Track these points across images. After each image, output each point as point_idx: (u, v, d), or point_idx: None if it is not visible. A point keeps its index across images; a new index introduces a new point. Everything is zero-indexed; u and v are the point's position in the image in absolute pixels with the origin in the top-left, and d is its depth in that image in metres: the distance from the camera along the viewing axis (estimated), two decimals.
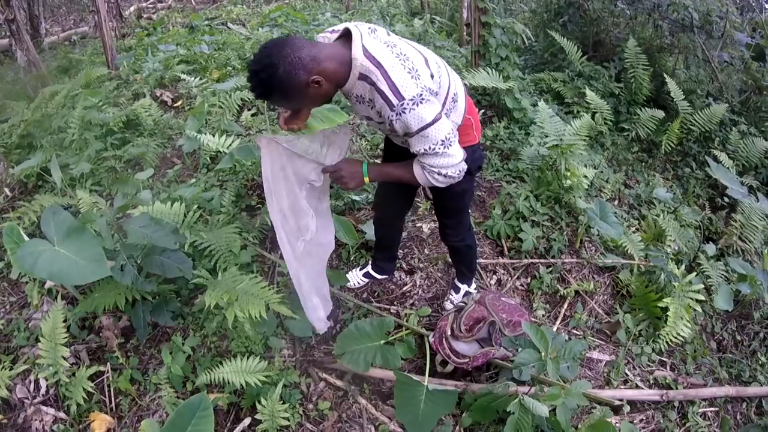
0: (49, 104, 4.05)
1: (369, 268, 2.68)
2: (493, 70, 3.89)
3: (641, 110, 4.43)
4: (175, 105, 4.17)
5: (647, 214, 3.56)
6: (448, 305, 2.56)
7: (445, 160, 1.60)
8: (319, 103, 1.64)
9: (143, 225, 2.15)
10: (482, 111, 3.95)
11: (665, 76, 4.47)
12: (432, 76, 1.61)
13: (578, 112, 4.25)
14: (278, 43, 1.47)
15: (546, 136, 3.27)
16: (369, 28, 1.61)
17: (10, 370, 2.18)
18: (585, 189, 3.23)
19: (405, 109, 1.50)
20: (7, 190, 3.38)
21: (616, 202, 3.73)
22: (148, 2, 8.94)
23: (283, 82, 1.45)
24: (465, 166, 1.66)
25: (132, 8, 7.26)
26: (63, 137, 3.59)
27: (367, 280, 2.69)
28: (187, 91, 4.21)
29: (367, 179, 1.78)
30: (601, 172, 3.80)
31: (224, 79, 4.18)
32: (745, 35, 4.68)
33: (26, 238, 2.43)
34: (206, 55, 4.85)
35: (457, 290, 2.58)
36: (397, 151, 1.98)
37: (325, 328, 2.09)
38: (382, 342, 2.16)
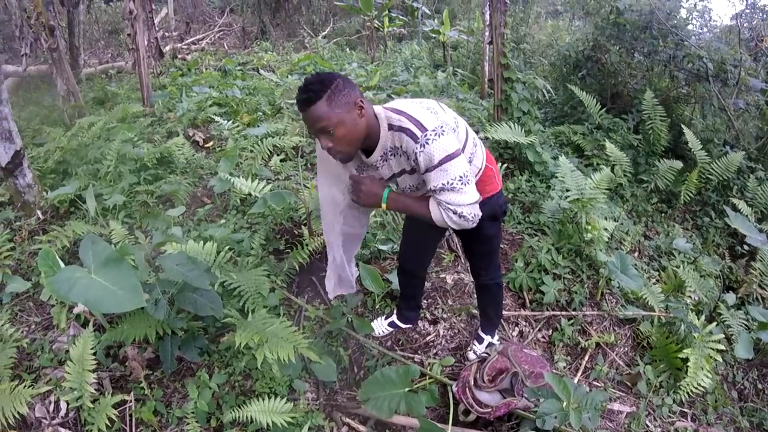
0: (85, 134, 4.22)
1: (394, 317, 2.72)
2: (515, 123, 4.00)
3: (660, 161, 4.48)
4: (206, 146, 4.31)
5: (667, 265, 3.58)
6: (471, 355, 2.57)
7: (461, 197, 1.63)
8: (354, 137, 1.63)
9: (179, 263, 2.21)
10: (504, 164, 4.04)
11: (682, 126, 4.55)
12: (450, 120, 1.72)
13: (598, 164, 4.33)
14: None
15: (567, 190, 3.33)
16: None
17: (32, 388, 2.20)
18: (605, 241, 3.27)
19: (428, 139, 1.57)
20: (39, 212, 3.47)
21: (636, 254, 3.76)
22: (183, 43, 9.32)
23: (335, 91, 1.55)
24: (479, 212, 1.68)
25: (167, 48, 7.58)
26: (98, 168, 3.72)
27: (391, 329, 2.72)
28: (218, 133, 4.36)
29: (383, 206, 1.78)
30: (621, 224, 3.84)
31: (254, 124, 4.34)
32: (760, 80, 4.72)
33: (61, 263, 2.52)
34: (238, 99, 5.04)
35: (480, 341, 2.60)
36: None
37: (332, 295, 2.34)
38: (407, 390, 2.16)
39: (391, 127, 1.65)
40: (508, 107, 4.19)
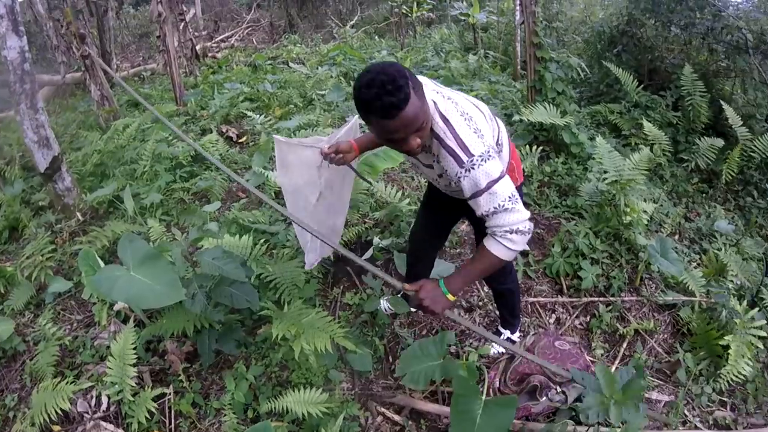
0: (121, 136, 4.36)
1: (399, 296, 2.66)
2: (550, 104, 3.91)
3: (700, 139, 4.31)
4: (240, 141, 4.38)
5: (708, 249, 3.45)
6: (492, 351, 2.53)
7: (515, 216, 1.56)
8: (428, 133, 1.55)
9: (215, 257, 2.26)
10: (539, 147, 3.95)
11: (722, 102, 4.35)
12: (492, 137, 1.65)
13: (636, 144, 4.19)
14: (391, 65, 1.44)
15: (605, 172, 3.23)
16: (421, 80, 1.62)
17: (74, 384, 2.29)
18: (645, 224, 3.17)
19: (474, 165, 1.51)
20: (79, 214, 3.61)
21: (676, 237, 3.63)
22: (212, 42, 9.47)
23: (412, 80, 1.42)
24: (532, 226, 1.62)
25: (198, 47, 7.72)
26: (134, 168, 3.83)
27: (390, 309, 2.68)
28: (251, 128, 4.42)
29: (451, 297, 1.68)
30: (661, 206, 3.71)
31: (287, 117, 4.38)
32: None
33: (101, 262, 2.61)
34: (269, 93, 5.08)
35: (498, 335, 2.55)
36: (440, 198, 2.04)
37: (309, 267, 2.44)
38: (443, 358, 2.10)
39: (433, 133, 1.56)
40: (542, 88, 4.09)
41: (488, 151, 1.53)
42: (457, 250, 3.21)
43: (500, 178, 1.54)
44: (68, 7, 5.48)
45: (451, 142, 1.53)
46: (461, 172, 1.53)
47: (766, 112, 4.64)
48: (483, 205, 1.56)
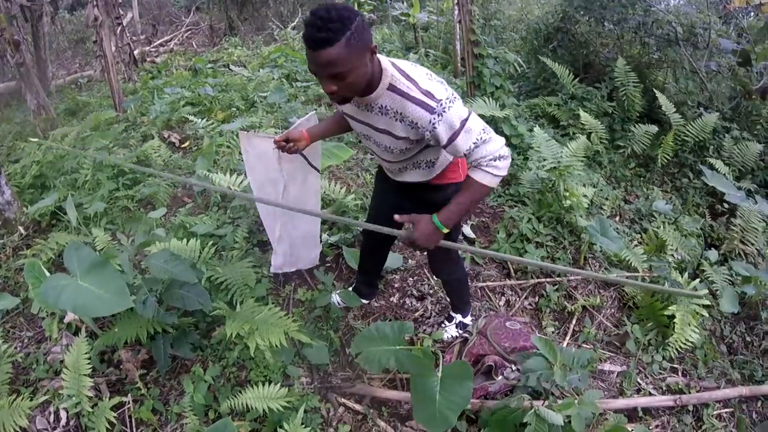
0: (60, 146, 4.19)
1: (350, 289, 2.73)
2: (489, 98, 4.03)
3: (635, 126, 4.56)
4: (183, 146, 4.29)
5: (648, 227, 3.65)
6: (445, 336, 2.59)
7: (493, 144, 1.62)
8: (361, 85, 1.54)
9: (164, 260, 2.21)
10: None
11: (655, 91, 4.61)
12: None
13: (574, 133, 4.38)
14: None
15: (544, 160, 3.38)
16: None
17: (30, 400, 2.21)
18: (585, 208, 3.33)
19: (444, 108, 1.55)
20: (21, 228, 3.44)
21: (617, 219, 3.83)
22: (151, 46, 9.20)
23: (356, 32, 1.41)
24: (509, 149, 1.67)
25: (136, 52, 7.49)
26: (76, 177, 3.70)
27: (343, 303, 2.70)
28: (194, 132, 4.34)
29: (445, 230, 1.72)
30: (600, 190, 3.90)
31: (229, 120, 4.32)
32: (731, 42, 4.77)
33: (47, 273, 2.52)
34: (211, 97, 5.00)
35: (450, 320, 2.63)
36: (387, 190, 2.10)
37: (274, 270, 2.60)
38: (399, 347, 2.11)
39: (393, 88, 1.59)
40: (480, 83, 4.22)
41: (452, 94, 1.59)
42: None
43: (470, 114, 1.60)
44: (2, 13, 5.21)
45: (417, 94, 1.57)
46: (434, 118, 1.56)
47: (698, 99, 4.96)
48: (462, 145, 1.61)
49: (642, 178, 4.43)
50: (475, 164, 1.66)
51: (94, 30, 5.30)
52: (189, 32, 10.30)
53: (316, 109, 4.59)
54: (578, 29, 5.46)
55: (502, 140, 1.65)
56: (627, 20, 5.07)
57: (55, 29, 9.43)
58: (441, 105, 1.55)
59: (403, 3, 7.48)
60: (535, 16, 6.90)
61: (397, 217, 1.76)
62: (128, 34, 5.94)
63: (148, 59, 7.85)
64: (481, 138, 1.61)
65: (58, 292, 1.92)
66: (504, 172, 1.68)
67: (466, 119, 1.59)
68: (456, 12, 4.98)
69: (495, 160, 1.64)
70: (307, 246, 2.64)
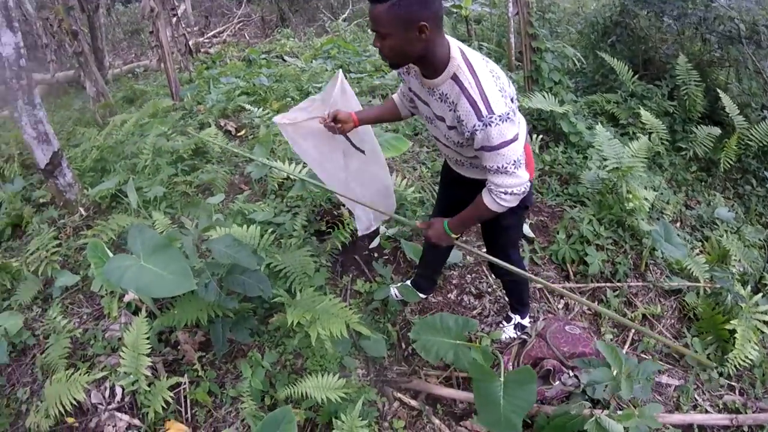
0: (119, 131, 4.33)
1: (408, 282, 2.71)
2: (548, 93, 3.93)
3: (697, 128, 4.36)
4: (239, 134, 4.35)
5: (710, 235, 3.50)
6: (503, 336, 2.55)
7: (513, 180, 1.64)
8: (402, 53, 1.58)
9: (227, 245, 2.24)
10: (539, 136, 3.98)
11: (718, 91, 4.40)
12: (512, 100, 1.66)
13: (634, 133, 4.23)
14: None
15: (605, 160, 3.27)
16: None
17: (87, 375, 2.28)
18: (646, 211, 3.21)
19: (492, 122, 1.54)
20: (81, 209, 3.58)
21: (678, 224, 3.68)
22: (204, 37, 9.39)
23: (401, 3, 1.44)
24: (529, 185, 1.71)
25: (190, 42, 7.67)
26: (135, 162, 3.80)
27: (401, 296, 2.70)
28: (249, 121, 4.40)
29: (453, 235, 1.91)
30: (661, 193, 3.76)
31: (284, 110, 4.34)
32: None
33: (110, 253, 2.59)
34: (265, 87, 5.06)
35: (508, 320, 2.59)
36: (452, 181, 2.08)
37: (362, 233, 2.51)
38: (459, 342, 2.10)
39: (455, 78, 1.59)
40: (538, 78, 4.12)
41: (508, 113, 1.56)
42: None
43: (512, 141, 1.59)
44: (60, 5, 5.41)
45: (474, 93, 1.56)
46: (478, 125, 1.56)
47: (761, 101, 4.69)
48: (488, 160, 1.63)
49: (703, 183, 4.24)
50: (488, 186, 1.70)
51: (149, 21, 5.44)
52: (241, 24, 10.45)
53: (370, 101, 4.58)
54: (637, 24, 5.25)
55: (526, 179, 1.67)
56: (687, 15, 4.83)
57: (110, 20, 9.74)
58: (491, 118, 1.54)
59: None
60: (591, 9, 6.69)
61: (417, 223, 2.03)
62: (183, 26, 6.05)
63: (202, 50, 8.00)
64: (506, 168, 1.62)
65: (121, 272, 1.96)
66: (509, 205, 1.73)
67: (506, 144, 1.58)
68: (510, 4, 4.87)
69: (505, 194, 1.67)
70: (384, 197, 2.55)
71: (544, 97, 3.86)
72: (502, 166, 1.61)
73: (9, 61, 3.25)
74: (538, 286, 2.88)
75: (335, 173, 2.27)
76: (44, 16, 5.83)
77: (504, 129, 1.55)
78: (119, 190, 3.55)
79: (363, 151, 2.29)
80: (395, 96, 2.13)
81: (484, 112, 1.54)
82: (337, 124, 2.03)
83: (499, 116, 1.54)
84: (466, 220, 1.89)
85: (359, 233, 2.51)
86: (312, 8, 10.48)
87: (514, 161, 1.61)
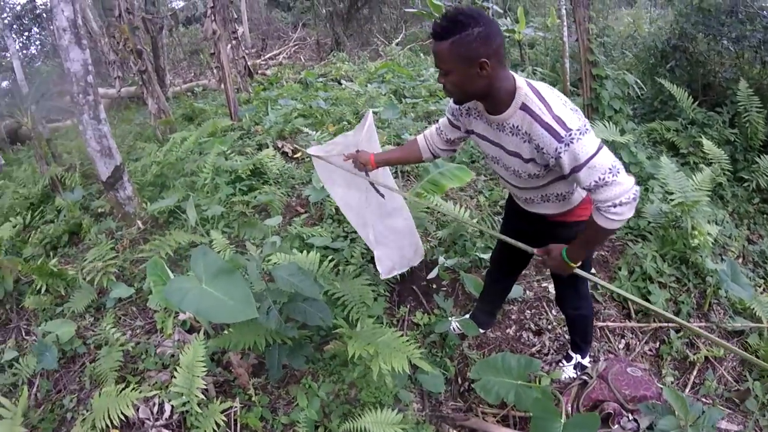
0: (179, 149, 4.48)
1: (468, 316, 2.69)
2: (609, 122, 3.86)
3: (759, 157, 4.17)
4: (295, 156, 4.45)
5: None
6: (562, 376, 2.48)
7: (616, 189, 1.53)
8: (465, 89, 1.60)
9: (290, 273, 2.27)
10: None
11: None
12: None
13: (695, 162, 4.10)
14: (491, 19, 1.53)
15: (670, 193, 3.17)
16: None
17: (138, 392, 2.28)
18: (710, 247, 3.10)
19: (573, 138, 1.50)
20: (140, 222, 3.72)
21: (740, 260, 3.52)
22: (261, 59, 9.70)
23: (462, 40, 1.47)
24: (638, 190, 1.59)
25: (249, 64, 7.94)
26: (195, 180, 3.92)
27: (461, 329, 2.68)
28: (306, 144, 4.49)
29: (573, 264, 1.76)
30: (724, 227, 3.61)
31: (341, 133, 4.42)
32: None
33: (171, 273, 2.66)
34: (322, 110, 5.16)
35: (569, 359, 2.52)
36: (518, 217, 2.05)
37: (384, 276, 2.57)
38: (520, 382, 2.07)
39: (525, 108, 1.58)
40: (598, 106, 4.05)
41: (585, 125, 1.54)
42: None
43: (598, 150, 1.53)
44: (125, 24, 5.71)
45: (547, 118, 1.54)
46: (560, 147, 1.53)
47: None
48: (584, 180, 1.55)
49: (766, 216, 4.04)
50: (595, 205, 1.61)
51: (210, 42, 5.67)
52: (296, 46, 10.78)
53: (426, 126, 4.60)
54: (695, 47, 5.09)
55: (631, 181, 1.55)
56: (747, 37, 4.66)
57: (172, 41, 10.20)
58: (570, 135, 1.51)
59: (506, 18, 7.35)
60: (646, 32, 6.53)
61: (536, 251, 1.83)
62: (243, 47, 6.28)
63: (259, 71, 8.26)
64: (604, 179, 1.52)
65: (182, 294, 1.98)
66: (626, 217, 1.59)
67: (593, 155, 1.52)
68: (565, 28, 4.82)
69: (615, 207, 1.55)
70: (410, 242, 2.59)
71: (605, 126, 3.79)
72: (600, 179, 1.52)
73: (77, 76, 3.43)
74: (599, 324, 2.81)
75: (360, 212, 2.32)
76: (111, 33, 6.17)
77: (586, 142, 1.51)
78: (177, 207, 3.66)
79: (383, 195, 2.32)
80: (419, 137, 2.12)
81: (562, 132, 1.52)
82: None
83: (578, 130, 1.51)
84: (585, 246, 1.76)
85: (381, 276, 2.52)
86: (366, 32, 10.71)
87: (609, 169, 1.52)
